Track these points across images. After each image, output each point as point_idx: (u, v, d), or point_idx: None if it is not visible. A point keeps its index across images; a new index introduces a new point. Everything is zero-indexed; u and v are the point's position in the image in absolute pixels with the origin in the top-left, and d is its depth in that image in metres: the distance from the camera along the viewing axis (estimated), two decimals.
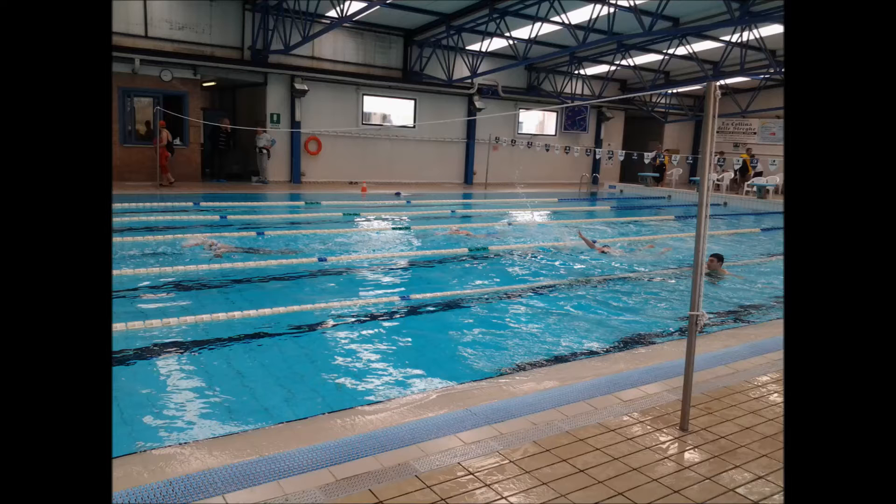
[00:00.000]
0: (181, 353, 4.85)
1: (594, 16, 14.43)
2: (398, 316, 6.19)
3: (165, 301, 6.29)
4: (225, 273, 7.48)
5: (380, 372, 4.72)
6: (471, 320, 6.21)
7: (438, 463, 3.09)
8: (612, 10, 14.11)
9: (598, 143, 25.17)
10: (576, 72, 22.09)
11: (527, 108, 23.25)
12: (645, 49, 19.42)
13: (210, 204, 13.01)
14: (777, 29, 16.46)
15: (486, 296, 7.13)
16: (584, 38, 15.10)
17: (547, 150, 20.74)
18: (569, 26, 14.70)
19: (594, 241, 10.20)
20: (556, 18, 14.77)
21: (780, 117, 23.63)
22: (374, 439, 3.30)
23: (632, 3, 13.44)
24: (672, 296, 7.57)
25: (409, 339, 5.56)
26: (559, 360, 5.11)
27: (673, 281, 8.38)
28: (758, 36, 16.22)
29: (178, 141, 16.35)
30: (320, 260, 8.34)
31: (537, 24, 15.40)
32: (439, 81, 19.29)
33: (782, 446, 2.27)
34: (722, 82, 20.50)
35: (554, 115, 24.29)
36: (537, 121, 24.72)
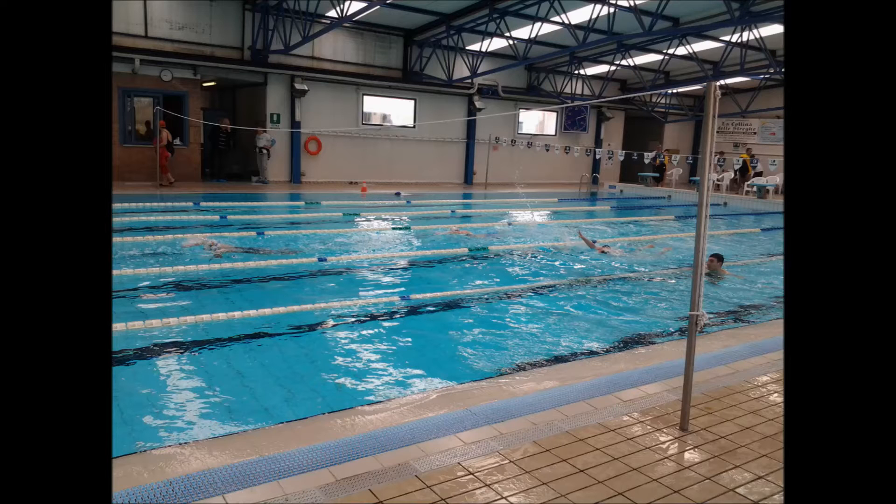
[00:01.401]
0: (181, 353, 4.85)
1: (594, 16, 14.43)
2: (398, 316, 6.19)
3: (165, 301, 6.29)
4: (225, 273, 7.48)
5: (380, 372, 4.72)
6: (471, 320, 6.21)
7: (438, 463, 3.09)
8: (612, 10, 14.11)
9: (598, 143, 25.17)
10: (576, 72, 22.09)
11: (527, 108, 23.24)
12: (645, 49, 19.42)
13: (210, 204, 13.01)
14: (777, 29, 16.46)
15: (486, 296, 7.13)
16: (584, 38, 15.10)
17: (547, 150, 20.74)
18: (569, 26, 14.70)
19: (594, 241, 10.20)
20: (556, 18, 14.77)
21: (780, 117, 23.63)
22: (374, 439, 3.30)
23: (632, 3, 13.44)
24: (672, 296, 7.57)
25: (409, 339, 5.56)
26: (559, 360, 5.11)
27: (673, 281, 8.37)
28: (758, 36, 16.21)
29: (178, 141, 16.35)
30: (320, 260, 8.34)
31: (537, 24, 15.40)
32: (439, 81, 19.29)
33: (782, 446, 2.27)
34: (722, 82, 20.50)
35: (554, 115, 24.28)
36: (537, 121, 24.71)
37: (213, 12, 16.38)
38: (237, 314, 5.74)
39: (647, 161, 19.70)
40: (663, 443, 3.45)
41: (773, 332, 5.82)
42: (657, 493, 2.92)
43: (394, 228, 11.70)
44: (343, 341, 5.38)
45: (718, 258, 8.61)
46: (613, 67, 21.54)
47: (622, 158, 20.67)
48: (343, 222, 12.07)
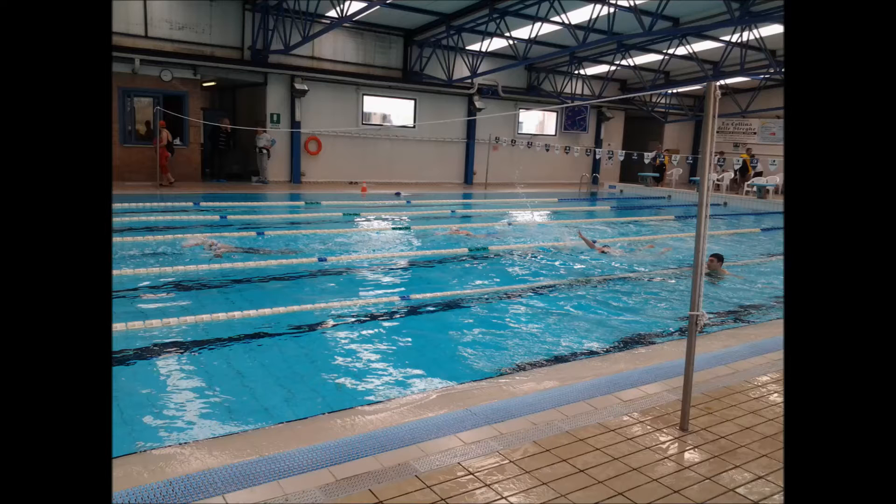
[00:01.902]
0: (181, 353, 4.85)
1: (594, 16, 14.43)
2: (398, 316, 6.19)
3: (165, 301, 6.28)
4: (225, 273, 7.48)
5: (380, 372, 4.72)
6: (471, 320, 6.21)
7: (438, 463, 3.09)
8: (612, 10, 14.11)
9: (598, 143, 25.17)
10: (576, 72, 22.09)
11: (527, 108, 23.24)
12: (645, 49, 19.42)
13: (210, 204, 13.01)
14: (777, 29, 16.46)
15: (486, 296, 7.13)
16: (584, 38, 15.10)
17: (547, 150, 20.74)
18: (569, 26, 14.70)
19: (594, 241, 10.20)
20: (556, 18, 14.77)
21: (780, 117, 23.63)
22: (374, 439, 3.30)
23: (632, 3, 13.44)
24: (672, 296, 7.57)
25: (409, 339, 5.56)
26: (559, 360, 5.11)
27: (673, 281, 8.37)
28: (758, 36, 16.21)
29: (178, 141, 16.35)
30: (320, 260, 8.34)
31: (537, 24, 15.40)
32: (439, 81, 19.29)
33: (782, 446, 2.27)
34: (722, 82, 20.50)
35: (554, 115, 24.28)
36: (537, 121, 24.71)
37: (213, 12, 16.38)
38: (237, 314, 5.74)
39: (647, 161, 19.70)
40: (663, 443, 3.44)
41: (773, 332, 5.82)
42: (657, 493, 2.92)
43: (394, 228, 11.70)
44: (343, 341, 5.38)
45: (718, 258, 8.61)
46: (613, 67, 21.54)
47: (622, 158, 20.67)
48: (343, 222, 12.07)
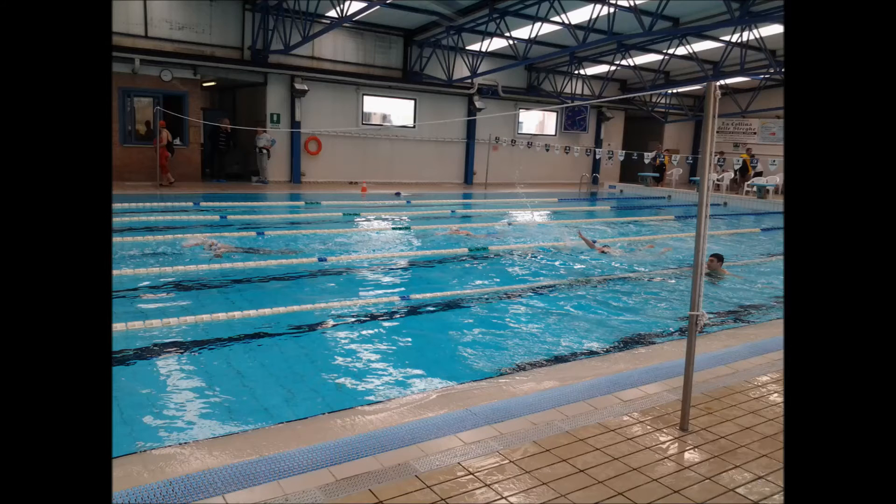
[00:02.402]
0: (181, 353, 4.85)
1: (594, 16, 14.43)
2: (398, 316, 6.19)
3: (165, 301, 6.28)
4: (225, 273, 7.48)
5: (380, 372, 4.72)
6: (471, 320, 6.20)
7: (438, 463, 3.09)
8: (612, 10, 14.10)
9: (598, 143, 25.17)
10: (576, 72, 22.09)
11: (527, 108, 23.24)
12: (645, 49, 19.42)
13: (210, 204, 13.01)
14: (777, 29, 16.46)
15: (486, 296, 7.13)
16: (584, 38, 15.10)
17: (547, 150, 20.74)
18: (569, 26, 14.70)
19: (594, 241, 10.20)
20: (556, 18, 14.77)
21: (780, 117, 23.63)
22: (374, 439, 3.30)
23: (632, 3, 13.44)
24: (672, 296, 7.57)
25: (409, 339, 5.56)
26: (559, 360, 5.11)
27: (673, 281, 8.37)
28: (758, 36, 16.21)
29: (178, 141, 16.35)
30: (320, 260, 8.34)
31: (537, 24, 15.40)
32: (439, 81, 19.29)
33: (782, 446, 2.27)
34: (722, 82, 20.50)
35: (554, 115, 24.28)
36: (537, 121, 24.71)
37: (213, 12, 16.38)
38: (237, 314, 5.74)
39: (647, 161, 19.70)
40: (663, 443, 3.44)
41: (773, 332, 5.82)
42: (657, 493, 2.92)
43: (394, 228, 11.70)
44: (343, 341, 5.38)
45: (718, 258, 8.61)
46: (613, 67, 21.53)
47: (622, 158, 20.67)
48: (343, 222, 12.07)
